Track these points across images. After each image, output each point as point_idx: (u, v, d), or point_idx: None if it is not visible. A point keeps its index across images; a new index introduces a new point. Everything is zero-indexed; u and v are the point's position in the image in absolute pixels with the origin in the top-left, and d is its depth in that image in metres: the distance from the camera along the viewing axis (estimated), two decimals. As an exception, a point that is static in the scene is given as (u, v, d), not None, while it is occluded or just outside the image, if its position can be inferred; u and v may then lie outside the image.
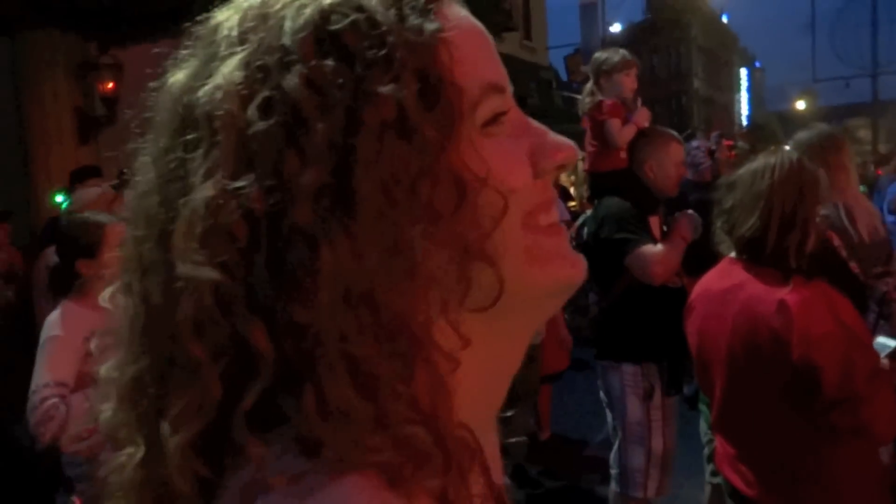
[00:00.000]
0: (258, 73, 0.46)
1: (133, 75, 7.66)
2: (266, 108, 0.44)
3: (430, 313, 0.46)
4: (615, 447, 3.23)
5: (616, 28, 27.00)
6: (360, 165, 0.43)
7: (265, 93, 0.45)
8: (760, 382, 1.97)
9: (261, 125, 0.44)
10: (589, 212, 3.37)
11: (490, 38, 0.55)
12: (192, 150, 0.47)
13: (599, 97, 3.32)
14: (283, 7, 0.48)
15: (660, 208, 3.25)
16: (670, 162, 3.16)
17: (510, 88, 0.54)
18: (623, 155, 3.26)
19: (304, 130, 0.44)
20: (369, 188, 0.43)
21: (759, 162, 2.04)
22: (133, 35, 7.14)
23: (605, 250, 3.05)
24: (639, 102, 3.38)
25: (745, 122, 44.48)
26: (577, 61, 26.05)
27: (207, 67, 0.48)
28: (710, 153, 5.20)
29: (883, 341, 2.13)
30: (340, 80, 0.44)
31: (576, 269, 0.55)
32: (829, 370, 1.79)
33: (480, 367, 0.52)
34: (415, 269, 0.45)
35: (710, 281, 2.19)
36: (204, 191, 0.44)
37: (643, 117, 3.31)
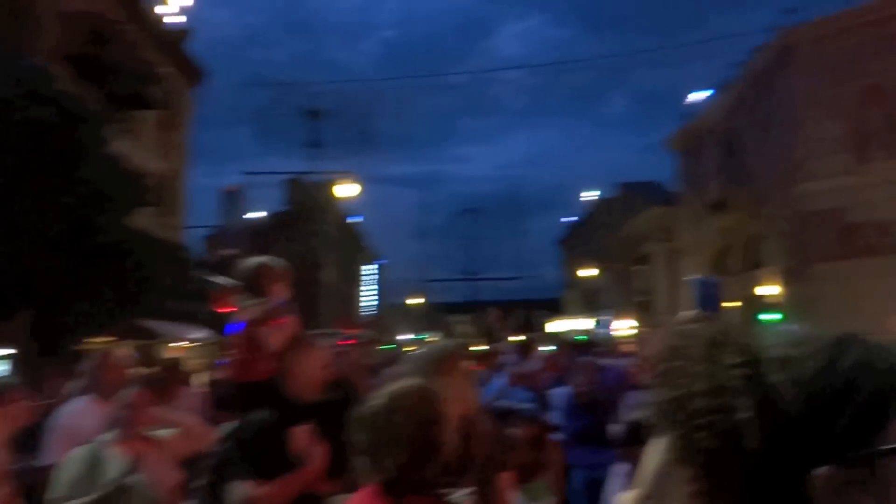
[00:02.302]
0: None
1: None
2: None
3: None
4: None
5: (256, 214, 27.86)
6: None
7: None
8: None
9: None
10: (230, 424, 3.13)
11: None
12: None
13: (254, 302, 3.25)
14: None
15: (304, 417, 3.16)
16: (317, 366, 3.16)
17: None
18: (270, 365, 3.16)
19: None
20: None
21: (385, 394, 2.08)
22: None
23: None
24: (290, 309, 3.38)
25: (368, 313, 48.26)
26: (216, 242, 26.04)
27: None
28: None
29: None
30: None
31: None
32: None
33: None
34: None
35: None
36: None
37: (293, 324, 3.31)
